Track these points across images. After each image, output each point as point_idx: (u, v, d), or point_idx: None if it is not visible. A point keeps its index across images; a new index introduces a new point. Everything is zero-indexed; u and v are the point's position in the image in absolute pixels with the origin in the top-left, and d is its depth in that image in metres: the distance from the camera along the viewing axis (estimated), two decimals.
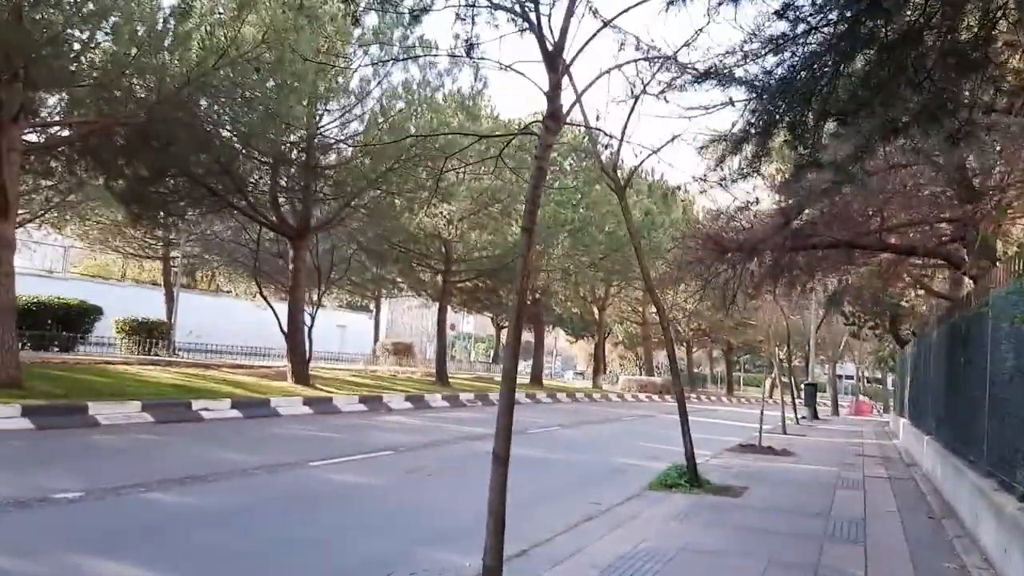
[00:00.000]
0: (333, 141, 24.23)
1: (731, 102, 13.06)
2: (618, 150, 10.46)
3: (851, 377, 76.86)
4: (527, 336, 78.98)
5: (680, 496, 10.62)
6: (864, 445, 22.01)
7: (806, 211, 12.25)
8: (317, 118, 23.44)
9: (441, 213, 29.90)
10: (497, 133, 23.02)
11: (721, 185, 8.76)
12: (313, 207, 25.38)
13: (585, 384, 56.85)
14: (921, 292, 29.17)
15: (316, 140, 23.67)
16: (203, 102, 20.21)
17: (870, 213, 12.39)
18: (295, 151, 23.73)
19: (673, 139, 10.06)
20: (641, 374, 61.47)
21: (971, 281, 12.22)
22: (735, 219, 12.70)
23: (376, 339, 53.61)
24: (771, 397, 35.58)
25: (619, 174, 11.40)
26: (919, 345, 19.16)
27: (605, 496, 10.51)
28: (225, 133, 22.29)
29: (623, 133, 10.12)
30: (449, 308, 50.00)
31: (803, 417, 34.48)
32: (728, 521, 9.03)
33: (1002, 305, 7.98)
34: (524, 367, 58.30)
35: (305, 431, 16.47)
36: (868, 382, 73.95)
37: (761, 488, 11.80)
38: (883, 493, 12.04)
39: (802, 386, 39.07)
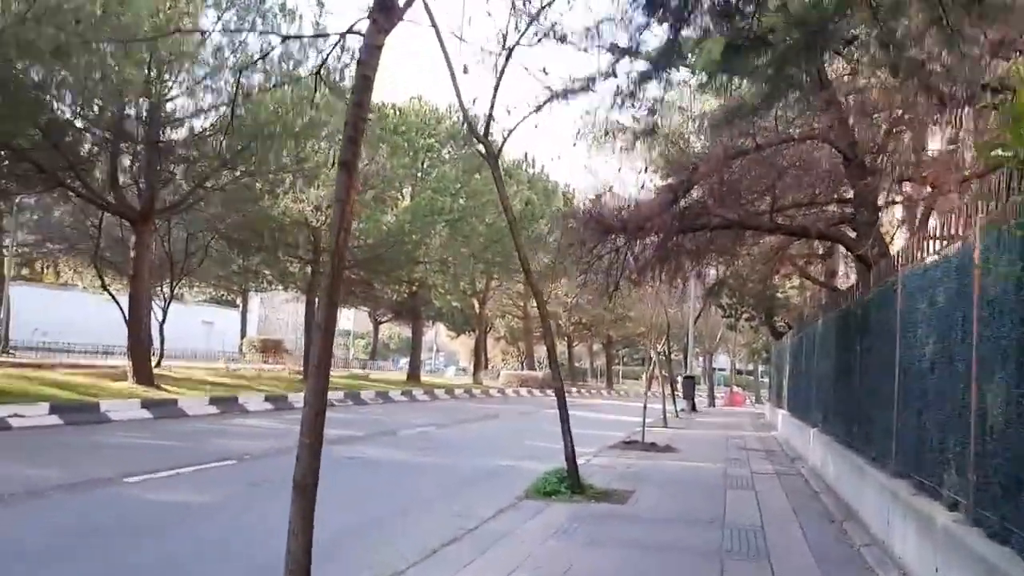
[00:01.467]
0: (180, 116, 21.77)
1: (613, 72, 11.93)
2: (490, 110, 9.07)
3: (723, 369, 78.89)
4: (405, 331, 77.29)
5: (560, 505, 9.35)
6: (745, 438, 21.61)
7: (695, 189, 11.27)
8: (165, 88, 21.01)
9: (307, 199, 27.75)
10: (317, 34, 20.94)
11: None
12: (160, 189, 22.81)
13: (466, 380, 55.58)
14: (796, 284, 29.47)
15: (162, 113, 21.22)
16: (20, 63, 17.51)
17: (763, 189, 11.53)
18: (137, 125, 21.16)
19: (552, 98, 8.74)
20: (523, 369, 60.79)
21: (864, 266, 11.55)
22: (618, 197, 11.60)
23: (243, 335, 50.40)
24: (650, 390, 35.38)
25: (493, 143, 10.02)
26: (800, 335, 18.79)
27: (477, 506, 9.14)
28: (60, 104, 19.62)
29: (496, 89, 8.73)
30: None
31: (682, 410, 34.32)
32: (615, 536, 7.81)
33: (918, 283, 7.07)
34: (403, 363, 56.58)
35: (135, 439, 14.30)
36: (739, 373, 76.11)
37: (648, 491, 10.70)
38: (774, 493, 11.20)
39: (680, 379, 39.08)
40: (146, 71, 19.06)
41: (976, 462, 5.18)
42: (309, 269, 31.93)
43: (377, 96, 35.95)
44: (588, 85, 11.23)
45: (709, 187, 11.37)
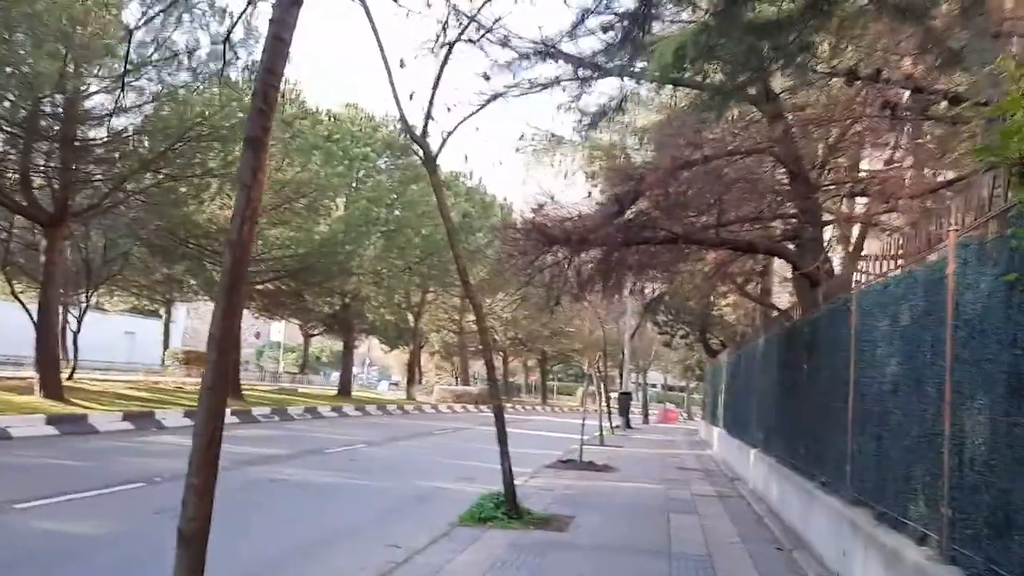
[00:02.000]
0: (99, 114, 20.53)
1: (558, 81, 11.48)
2: (428, 108, 8.47)
3: (654, 385, 79.38)
4: (337, 344, 75.70)
5: (497, 533, 8.74)
6: (682, 456, 21.36)
7: (640, 201, 10.85)
8: (83, 86, 19.77)
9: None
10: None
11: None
12: (76, 191, 21.46)
13: (399, 395, 54.49)
14: (730, 302, 29.57)
15: (78, 110, 19.96)
16: None
17: (708, 203, 11.20)
18: (50, 121, 19.84)
19: (494, 97, 8.21)
20: (457, 384, 59.99)
21: (808, 283, 11.30)
22: (561, 207, 11.10)
23: (167, 347, 48.38)
24: (583, 406, 35.01)
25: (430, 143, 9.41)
26: (739, 353, 18.63)
27: (407, 535, 8.47)
28: None
29: (435, 86, 8.15)
30: (251, 313, 46.18)
31: (616, 426, 34.12)
32: (557, 569, 7.24)
33: (877, 300, 6.73)
34: (335, 377, 55.10)
35: (34, 459, 13.14)
36: (670, 390, 76.78)
37: (589, 517, 10.17)
38: (718, 517, 10.80)
39: (615, 395, 38.91)
40: (61, 64, 17.82)
41: (951, 495, 4.78)
42: None
43: (312, 100, 34.94)
44: (530, 86, 10.78)
45: (655, 199, 10.98)
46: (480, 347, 66.79)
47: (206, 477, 3.26)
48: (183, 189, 22.96)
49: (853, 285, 7.65)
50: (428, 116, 8.52)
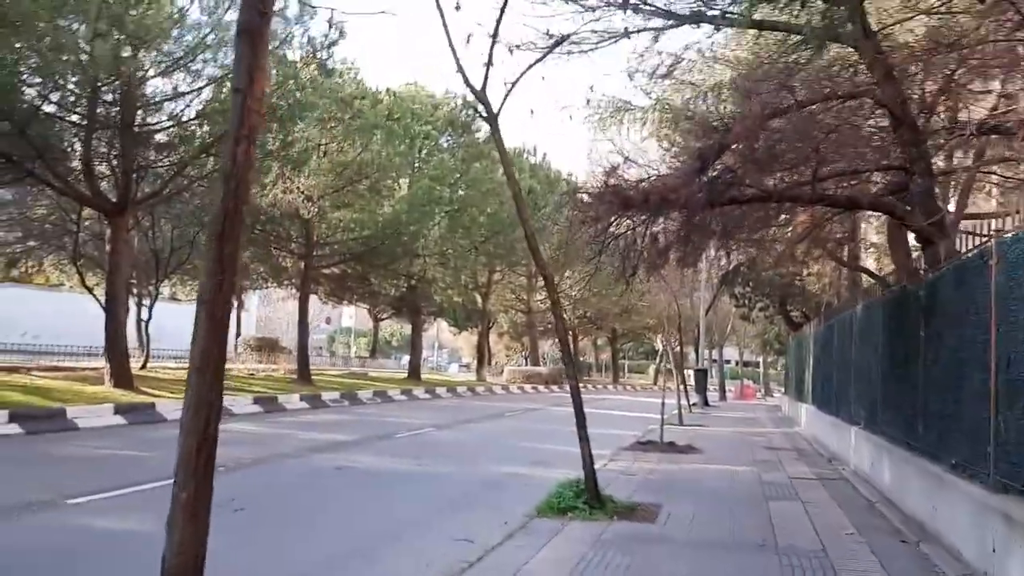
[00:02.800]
0: (158, 99, 20.28)
1: (627, 33, 10.46)
2: (489, 55, 7.58)
3: (729, 361, 77.24)
4: (407, 328, 75.93)
5: (579, 526, 7.90)
6: (768, 435, 20.15)
7: (726, 155, 9.76)
8: (139, 70, 19.51)
9: (298, 188, 26.25)
10: None
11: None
12: (138, 178, 21.31)
13: (469, 377, 54.10)
14: (813, 272, 27.94)
15: (136, 95, 19.74)
16: None
17: (802, 156, 10.02)
18: (108, 108, 19.65)
19: (560, 42, 7.26)
20: (527, 365, 59.31)
21: (922, 243, 10.06)
22: (637, 166, 10.07)
23: (239, 334, 48.94)
24: (656, 384, 33.70)
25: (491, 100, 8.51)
26: (830, 323, 17.33)
27: (481, 528, 7.72)
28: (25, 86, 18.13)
29: (496, 30, 7.24)
30: (319, 299, 46.30)
31: (694, 404, 32.85)
32: (649, 568, 6.35)
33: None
34: (404, 362, 55.03)
35: (99, 449, 12.87)
36: (746, 365, 74.55)
37: (678, 505, 9.23)
38: (824, 504, 9.72)
39: (692, 372, 37.61)
40: (116, 48, 17.52)
41: None
42: (303, 264, 30.42)
43: (372, 82, 34.40)
44: (598, 39, 9.79)
45: (742, 153, 9.86)
46: (551, 325, 65.94)
47: (198, 490, 2.47)
48: None
49: (993, 234, 6.49)
50: (488, 64, 7.63)
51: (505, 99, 8.10)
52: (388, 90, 34.07)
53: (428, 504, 9.40)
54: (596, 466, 9.13)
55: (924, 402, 8.50)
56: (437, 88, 49.68)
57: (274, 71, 20.46)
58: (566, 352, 9.17)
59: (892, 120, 10.18)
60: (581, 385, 9.41)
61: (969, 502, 6.57)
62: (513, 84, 7.98)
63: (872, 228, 20.99)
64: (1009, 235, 6.17)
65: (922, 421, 8.56)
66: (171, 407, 18.21)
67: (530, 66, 8.00)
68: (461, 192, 35.52)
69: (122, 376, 19.92)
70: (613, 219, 10.46)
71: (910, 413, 9.12)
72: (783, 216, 12.50)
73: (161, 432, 15.39)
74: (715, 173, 10.05)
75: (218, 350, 2.76)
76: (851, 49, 10.28)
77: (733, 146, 9.56)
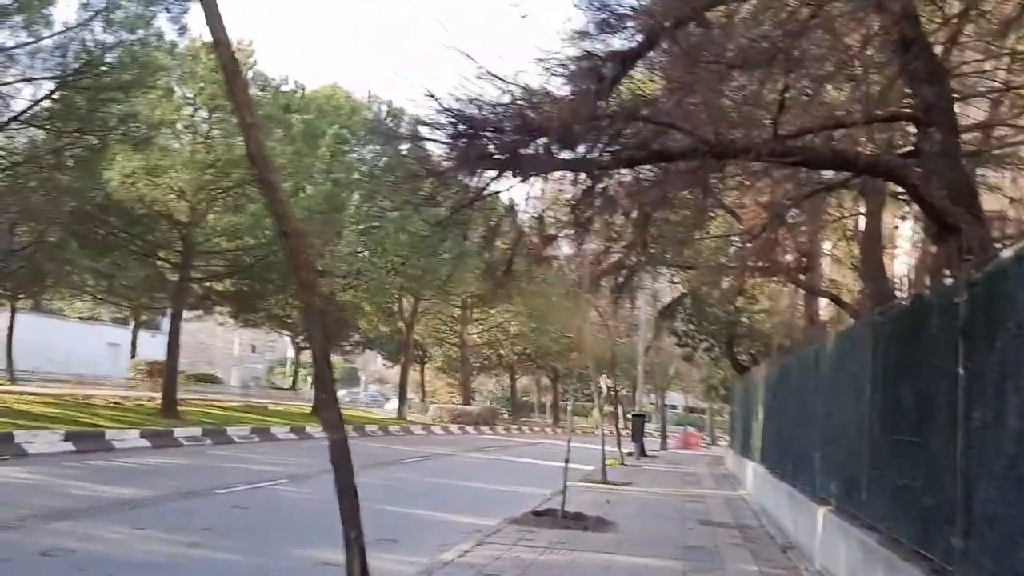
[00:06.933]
0: None
1: None
2: None
3: (674, 406, 73.80)
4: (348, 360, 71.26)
5: None
6: (706, 500, 16.33)
7: (639, 67, 6.01)
8: None
9: (166, 183, 21.98)
10: None
11: None
12: None
13: (393, 415, 49.61)
14: (764, 307, 24.54)
15: None
16: None
17: (760, 82, 6.30)
18: None
19: None
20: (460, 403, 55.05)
21: (937, 229, 6.37)
22: (499, 81, 6.23)
23: (133, 356, 44.05)
24: (596, 429, 30.05)
25: None
26: (787, 364, 13.69)
27: None
28: None
29: None
30: (230, 321, 41.73)
31: (629, 454, 28.92)
32: None
33: None
34: (343, 394, 50.04)
35: None
36: (691, 411, 71.16)
37: None
38: None
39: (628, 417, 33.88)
40: None
41: None
42: (179, 276, 25.82)
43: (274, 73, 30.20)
44: None
45: (666, 72, 6.13)
46: (487, 361, 61.85)
47: None
48: (79, 151, 18.29)
49: None
50: None
51: None
52: (297, 82, 29.78)
53: None
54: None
55: (966, 489, 4.73)
56: (361, 91, 45.28)
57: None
58: (320, 368, 5.22)
59: (900, 42, 6.54)
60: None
61: None
62: None
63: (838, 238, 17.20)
64: None
65: (964, 522, 4.76)
66: None
67: None
68: (378, 204, 31.43)
69: None
70: (468, 172, 6.59)
71: (933, 505, 5.33)
72: (730, 194, 8.70)
73: None
74: (623, 103, 6.26)
75: None
76: None
77: (645, 53, 5.77)
